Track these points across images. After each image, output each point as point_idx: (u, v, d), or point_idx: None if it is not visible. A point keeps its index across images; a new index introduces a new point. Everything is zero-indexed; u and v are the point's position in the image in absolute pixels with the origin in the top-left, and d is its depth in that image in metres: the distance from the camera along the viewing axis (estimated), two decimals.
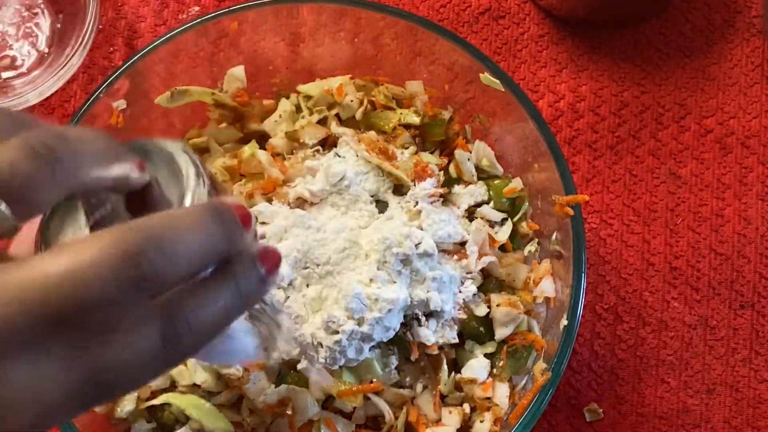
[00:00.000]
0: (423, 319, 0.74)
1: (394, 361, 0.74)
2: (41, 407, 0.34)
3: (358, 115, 0.82)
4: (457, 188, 0.81)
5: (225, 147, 0.84)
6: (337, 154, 0.80)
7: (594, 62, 0.91)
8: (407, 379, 0.76)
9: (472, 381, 0.75)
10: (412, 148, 0.81)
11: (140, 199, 0.43)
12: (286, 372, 0.74)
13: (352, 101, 0.82)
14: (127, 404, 0.75)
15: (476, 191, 0.80)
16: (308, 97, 0.84)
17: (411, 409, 0.75)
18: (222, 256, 0.40)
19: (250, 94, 0.84)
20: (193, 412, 0.74)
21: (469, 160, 0.81)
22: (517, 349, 0.76)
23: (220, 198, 0.43)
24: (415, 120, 0.82)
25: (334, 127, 0.82)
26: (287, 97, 0.85)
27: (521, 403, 0.71)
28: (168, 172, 0.45)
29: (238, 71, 0.83)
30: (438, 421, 0.75)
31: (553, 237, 0.77)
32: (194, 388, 0.75)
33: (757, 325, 0.85)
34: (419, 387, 0.76)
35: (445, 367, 0.75)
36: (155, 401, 0.75)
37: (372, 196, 0.78)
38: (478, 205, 0.81)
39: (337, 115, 0.84)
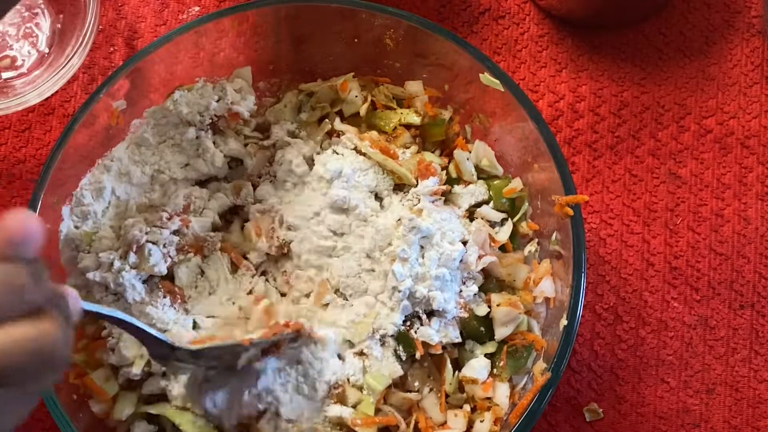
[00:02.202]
0: (425, 317, 0.74)
1: (402, 357, 0.75)
2: None
3: (362, 111, 0.82)
4: (458, 188, 0.81)
5: None
6: (334, 151, 0.80)
7: (594, 62, 0.91)
8: (416, 383, 0.76)
9: (474, 381, 0.75)
10: (414, 147, 0.81)
11: None
12: None
13: (356, 96, 0.82)
14: (126, 407, 0.75)
15: (477, 191, 0.80)
16: (310, 95, 0.84)
17: (419, 414, 0.74)
18: None
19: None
20: (187, 427, 0.74)
21: (468, 159, 0.81)
22: (517, 349, 0.76)
23: None
24: (416, 120, 0.82)
25: (338, 124, 0.82)
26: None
27: (521, 403, 0.72)
28: None
29: (245, 71, 0.83)
30: (443, 424, 0.75)
31: (553, 237, 0.77)
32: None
33: (757, 325, 0.85)
34: (425, 390, 0.76)
35: (449, 366, 0.75)
36: (152, 410, 0.75)
37: (371, 192, 0.79)
38: (478, 204, 0.81)
39: (338, 112, 0.84)
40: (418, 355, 0.74)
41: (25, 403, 0.50)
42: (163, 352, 0.67)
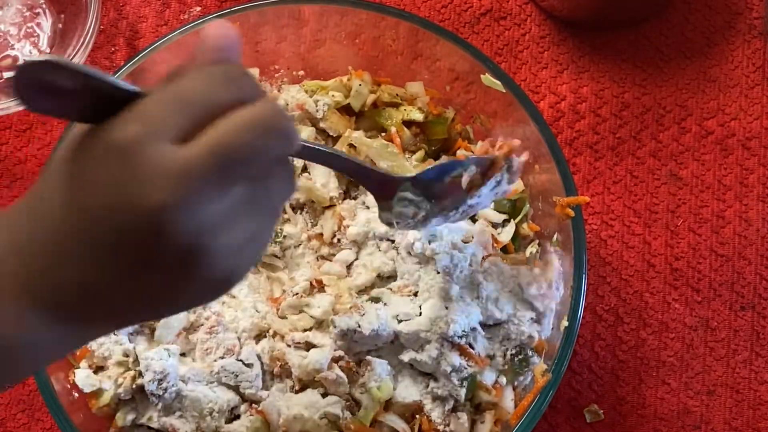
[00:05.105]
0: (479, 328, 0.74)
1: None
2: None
3: (369, 101, 0.82)
4: None
5: None
6: None
7: (595, 63, 0.91)
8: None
9: (488, 390, 0.74)
10: (420, 153, 0.81)
11: None
12: None
13: (360, 85, 0.82)
14: (128, 414, 0.75)
15: None
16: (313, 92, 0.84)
17: (422, 417, 0.74)
18: None
19: None
20: None
21: None
22: (520, 351, 0.75)
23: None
24: (419, 116, 0.81)
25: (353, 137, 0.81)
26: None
27: (522, 404, 0.72)
28: None
29: (252, 72, 0.83)
30: (447, 425, 0.74)
31: (554, 238, 0.77)
32: None
33: (758, 326, 0.85)
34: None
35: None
36: (154, 424, 0.75)
37: None
38: None
39: (340, 110, 0.83)
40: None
41: (270, 211, 0.50)
42: (385, 189, 0.65)
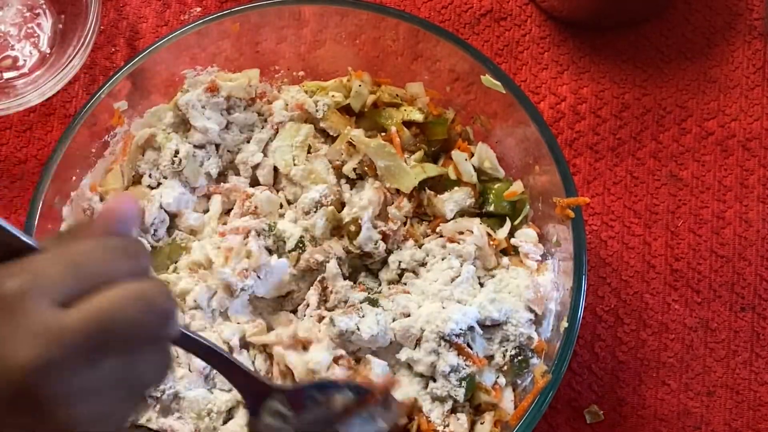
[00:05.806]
0: (478, 328, 0.74)
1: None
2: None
3: (369, 102, 0.82)
4: (440, 196, 0.80)
5: None
6: None
7: (595, 64, 0.91)
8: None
9: (487, 391, 0.74)
10: (419, 154, 0.81)
11: None
12: None
13: (360, 85, 0.82)
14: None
15: (459, 197, 0.79)
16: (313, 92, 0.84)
17: (420, 417, 0.74)
18: None
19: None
20: None
21: (466, 160, 0.80)
22: (520, 352, 0.75)
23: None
24: (419, 117, 0.81)
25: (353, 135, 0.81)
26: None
27: (522, 405, 0.72)
28: None
29: (253, 73, 0.84)
30: (446, 426, 0.74)
31: (554, 239, 0.77)
32: None
33: (758, 327, 0.85)
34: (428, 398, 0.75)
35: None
36: (153, 425, 0.75)
37: None
38: (470, 210, 0.80)
39: (341, 110, 0.83)
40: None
41: (136, 392, 0.50)
42: (257, 394, 0.62)
